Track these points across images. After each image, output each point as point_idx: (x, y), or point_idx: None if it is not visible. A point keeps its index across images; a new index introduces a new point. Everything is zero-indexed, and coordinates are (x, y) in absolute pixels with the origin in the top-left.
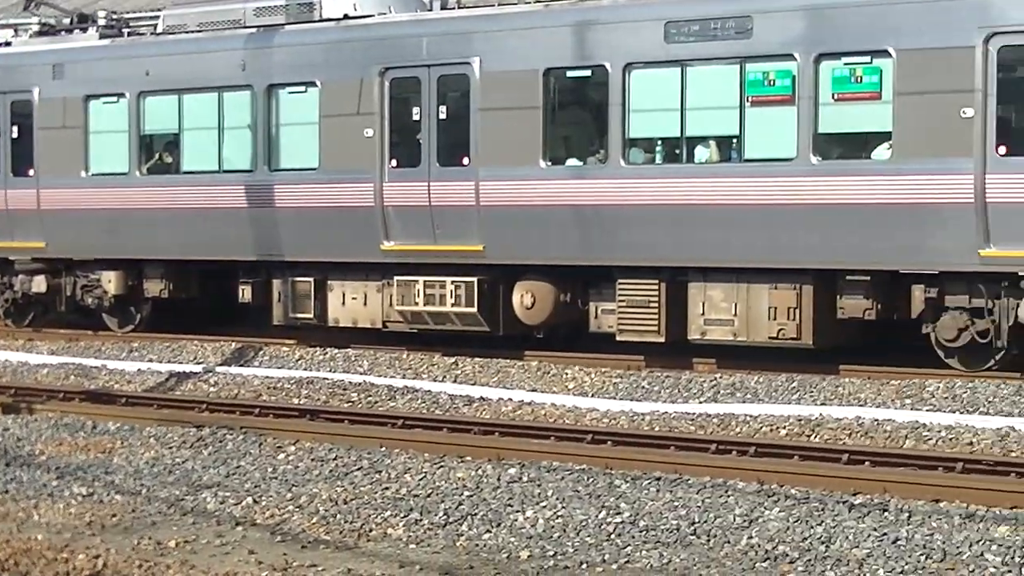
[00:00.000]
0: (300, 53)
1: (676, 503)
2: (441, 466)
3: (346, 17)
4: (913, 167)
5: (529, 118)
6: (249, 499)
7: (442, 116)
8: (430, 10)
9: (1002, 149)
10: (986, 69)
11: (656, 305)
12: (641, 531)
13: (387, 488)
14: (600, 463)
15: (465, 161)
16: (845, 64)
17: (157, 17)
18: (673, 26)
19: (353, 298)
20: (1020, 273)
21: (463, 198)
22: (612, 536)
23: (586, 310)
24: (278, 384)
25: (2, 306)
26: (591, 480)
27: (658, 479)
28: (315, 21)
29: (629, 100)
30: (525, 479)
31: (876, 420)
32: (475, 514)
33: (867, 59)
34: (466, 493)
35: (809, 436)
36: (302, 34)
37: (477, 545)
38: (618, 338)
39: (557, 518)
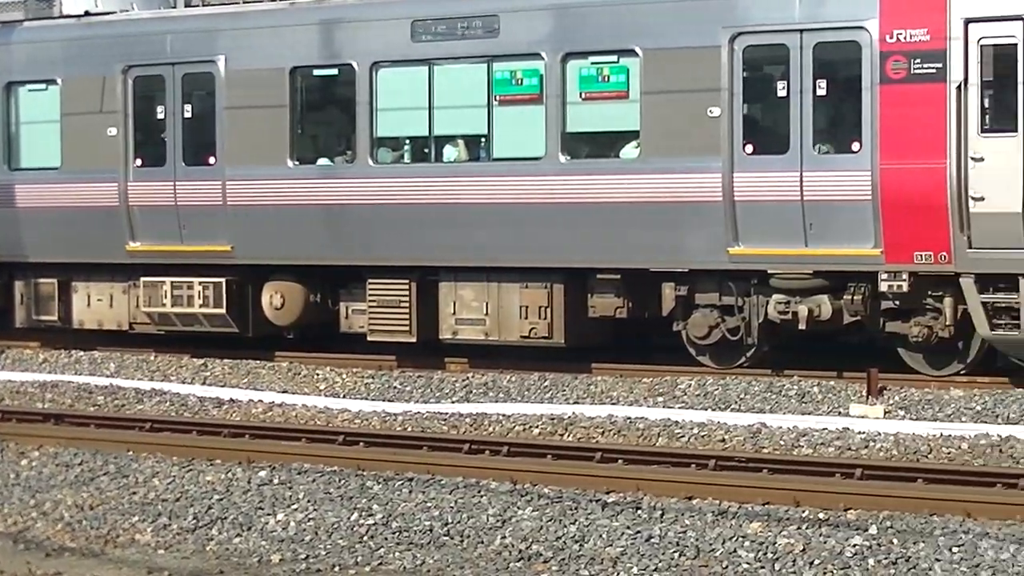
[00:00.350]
0: (40, 50)
1: (429, 504)
2: (190, 470)
3: (87, 14)
4: (661, 166)
5: (276, 117)
6: None
7: (187, 115)
8: (174, 7)
9: (749, 148)
10: (732, 68)
11: (407, 305)
12: (394, 532)
13: (134, 493)
14: (352, 464)
15: (211, 160)
16: (592, 63)
17: None
18: (420, 25)
19: (99, 300)
20: (769, 271)
21: (210, 198)
22: (365, 538)
23: (336, 310)
24: (21, 388)
25: None
26: (343, 482)
27: (411, 480)
28: (55, 17)
29: (376, 99)
30: (276, 481)
31: (629, 418)
32: (225, 518)
33: (614, 58)
34: (216, 497)
35: (562, 435)
36: (41, 31)
37: (227, 549)
38: (369, 338)
39: (309, 521)
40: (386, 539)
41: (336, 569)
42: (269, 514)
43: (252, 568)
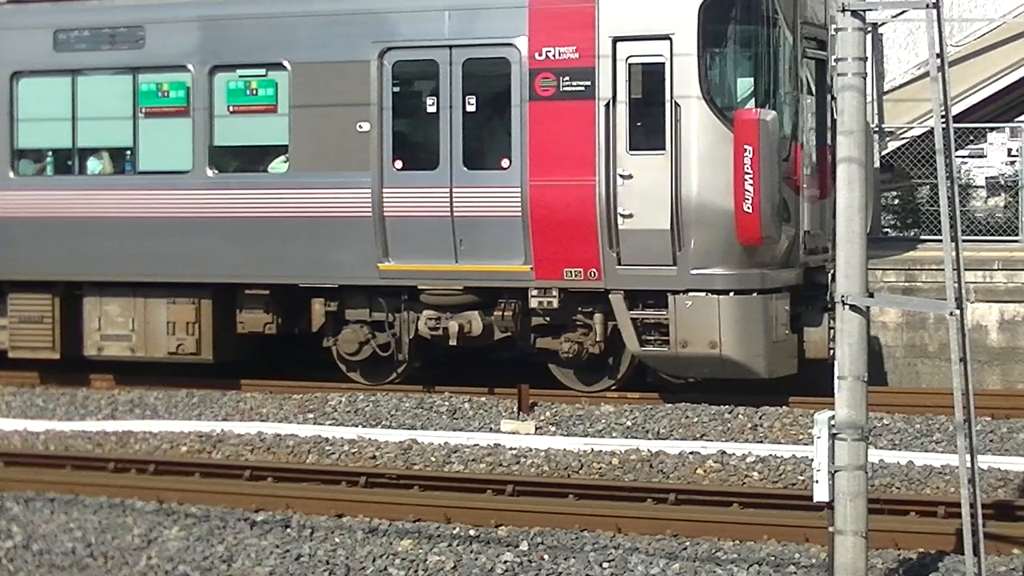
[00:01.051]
0: None
1: (72, 525)
2: None
3: None
4: (311, 180)
5: None
6: None
7: None
8: None
9: (399, 163)
10: (381, 83)
11: (50, 320)
12: (35, 555)
13: None
14: None
15: None
16: (240, 76)
17: None
18: (63, 34)
19: None
20: (420, 287)
21: None
22: (3, 561)
23: None
24: None
25: None
26: None
27: (52, 500)
28: None
29: (18, 109)
30: None
31: (278, 435)
32: None
33: (262, 72)
34: None
35: (210, 452)
36: None
37: None
38: (11, 355)
39: None
40: (26, 562)
41: None
42: None
43: None
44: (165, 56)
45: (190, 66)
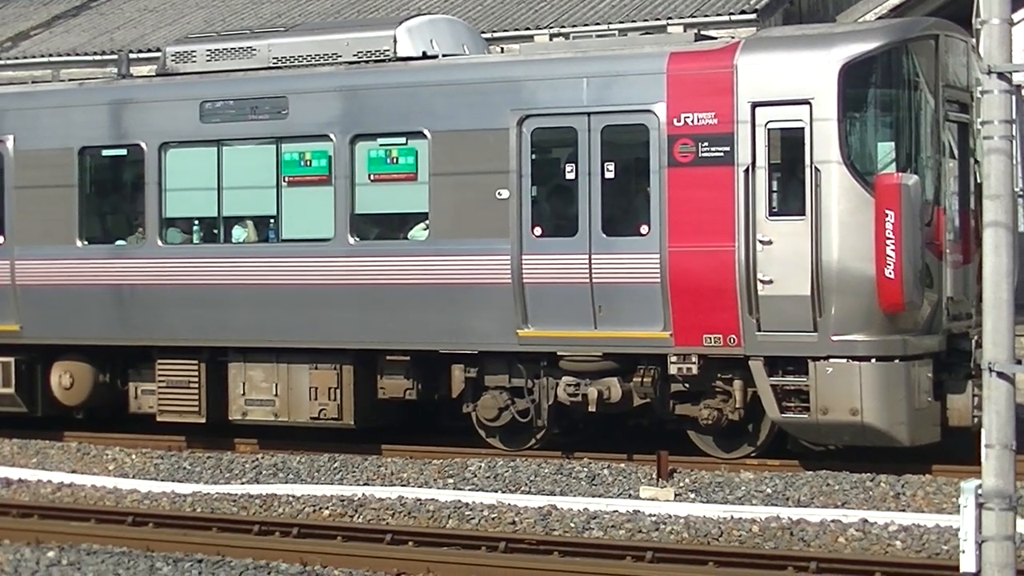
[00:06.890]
0: None
1: None
2: None
3: None
4: (450, 247)
5: (65, 197)
6: None
7: None
8: None
9: (538, 230)
10: (520, 151)
11: (196, 385)
12: None
13: None
14: (141, 545)
15: (0, 240)
16: (381, 145)
17: None
18: (208, 105)
19: None
20: (558, 353)
21: None
22: None
23: (126, 390)
24: None
25: None
26: (132, 563)
27: (200, 561)
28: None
29: (165, 179)
30: (65, 562)
31: (419, 500)
32: None
33: (403, 140)
34: None
35: (352, 516)
36: None
37: None
38: (159, 419)
39: None
40: None
41: None
42: None
43: None
44: (308, 126)
45: (332, 135)
